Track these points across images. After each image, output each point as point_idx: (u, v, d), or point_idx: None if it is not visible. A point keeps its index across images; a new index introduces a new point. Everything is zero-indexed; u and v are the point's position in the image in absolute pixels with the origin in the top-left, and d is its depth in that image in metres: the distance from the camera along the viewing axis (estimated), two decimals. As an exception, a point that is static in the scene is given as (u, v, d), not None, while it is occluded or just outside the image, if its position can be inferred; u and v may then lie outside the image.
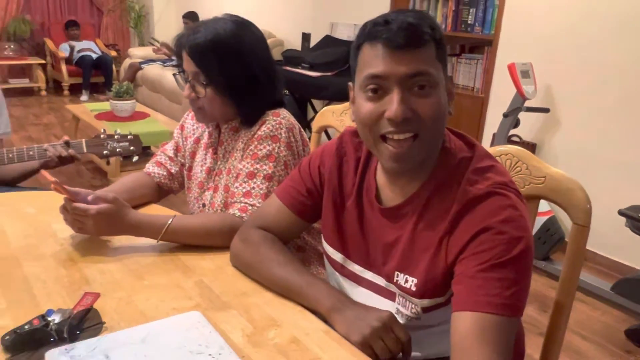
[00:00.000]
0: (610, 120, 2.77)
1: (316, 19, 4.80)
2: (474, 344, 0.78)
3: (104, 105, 4.21)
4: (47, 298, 0.97)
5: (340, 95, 3.83)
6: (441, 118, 0.87)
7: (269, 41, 1.36)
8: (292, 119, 1.30)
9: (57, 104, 6.37)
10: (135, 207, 1.30)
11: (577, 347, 2.19)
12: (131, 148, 1.69)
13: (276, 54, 4.68)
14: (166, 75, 5.34)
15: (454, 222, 0.87)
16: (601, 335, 2.28)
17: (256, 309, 0.97)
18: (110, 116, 3.93)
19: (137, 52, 6.45)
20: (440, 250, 0.89)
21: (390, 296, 0.98)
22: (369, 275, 1.01)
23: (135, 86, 5.49)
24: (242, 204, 1.21)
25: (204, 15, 4.60)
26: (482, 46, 3.52)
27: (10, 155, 1.65)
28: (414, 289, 0.92)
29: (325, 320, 0.94)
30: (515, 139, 3.06)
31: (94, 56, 6.70)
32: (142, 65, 5.96)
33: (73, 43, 6.73)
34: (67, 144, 1.67)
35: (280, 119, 1.26)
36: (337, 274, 1.07)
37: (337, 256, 1.05)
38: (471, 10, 3.54)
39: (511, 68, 2.89)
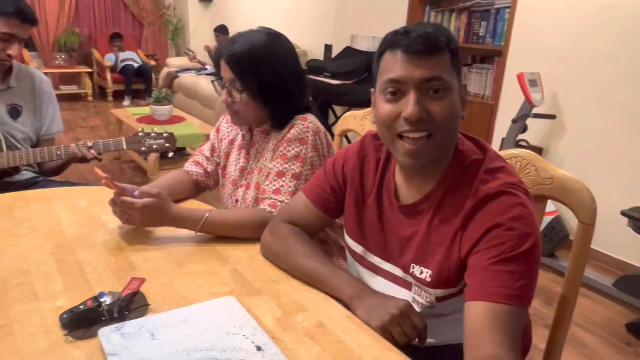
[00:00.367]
0: (612, 125, 2.71)
1: (337, 31, 4.80)
2: (485, 330, 0.78)
3: (145, 110, 4.29)
4: (99, 282, 0.99)
5: (359, 102, 3.82)
6: (454, 120, 0.88)
7: (294, 52, 1.37)
8: (318, 123, 1.30)
9: (102, 109, 6.48)
10: (175, 202, 1.31)
11: (581, 339, 2.15)
12: (166, 145, 1.70)
13: (301, 64, 4.68)
14: (200, 82, 5.38)
15: (467, 219, 0.87)
16: (603, 328, 2.24)
17: (285, 295, 0.98)
18: (149, 119, 3.98)
19: (174, 62, 6.51)
20: (453, 244, 0.89)
21: (407, 286, 0.98)
22: (387, 266, 1.01)
23: (172, 92, 5.56)
24: (272, 200, 1.23)
25: (234, 28, 4.64)
26: (492, 56, 3.48)
27: (59, 152, 1.69)
28: (428, 279, 0.92)
29: (347, 306, 0.94)
30: (522, 143, 3.02)
31: (136, 65, 6.81)
32: (178, 74, 6.02)
33: (117, 53, 6.85)
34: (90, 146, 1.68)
35: (307, 122, 1.27)
36: (357, 264, 1.08)
37: (358, 248, 1.06)
38: (482, 23, 3.50)
39: (520, 77, 2.85)
